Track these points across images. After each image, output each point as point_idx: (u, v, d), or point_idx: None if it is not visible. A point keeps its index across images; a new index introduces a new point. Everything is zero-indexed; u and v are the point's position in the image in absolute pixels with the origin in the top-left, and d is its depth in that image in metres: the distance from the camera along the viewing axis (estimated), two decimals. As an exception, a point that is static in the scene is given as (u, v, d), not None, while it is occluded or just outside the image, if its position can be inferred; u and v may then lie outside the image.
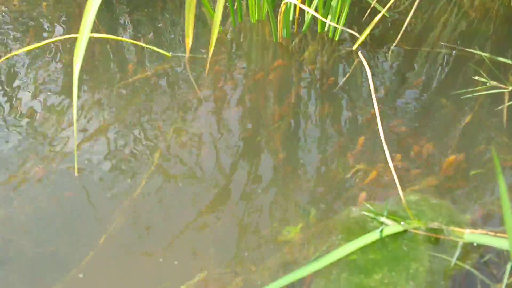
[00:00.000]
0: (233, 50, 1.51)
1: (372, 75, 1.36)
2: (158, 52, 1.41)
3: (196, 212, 1.04)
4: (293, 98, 1.33)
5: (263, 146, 1.19)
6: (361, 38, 1.41)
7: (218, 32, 1.58)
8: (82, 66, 0.97)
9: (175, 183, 1.09)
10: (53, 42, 1.49)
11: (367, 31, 1.40)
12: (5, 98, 1.31)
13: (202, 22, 1.66)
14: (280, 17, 1.40)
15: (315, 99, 1.32)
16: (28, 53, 1.47)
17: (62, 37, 1.27)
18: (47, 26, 1.63)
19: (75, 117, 0.97)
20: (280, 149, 1.18)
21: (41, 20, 1.66)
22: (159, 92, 1.35)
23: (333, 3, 1.40)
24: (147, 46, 1.43)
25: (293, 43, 1.52)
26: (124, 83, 1.38)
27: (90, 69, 1.43)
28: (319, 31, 1.56)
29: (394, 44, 1.48)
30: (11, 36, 1.57)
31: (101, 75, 1.40)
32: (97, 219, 1.02)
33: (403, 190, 1.04)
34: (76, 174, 1.09)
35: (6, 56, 1.27)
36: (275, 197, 1.07)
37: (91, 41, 1.51)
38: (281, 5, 1.36)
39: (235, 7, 1.57)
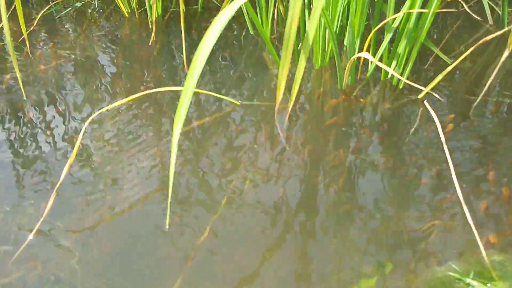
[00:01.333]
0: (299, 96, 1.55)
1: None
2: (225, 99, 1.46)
3: (260, 257, 1.07)
4: (359, 146, 1.36)
5: (331, 193, 1.21)
6: (427, 89, 1.43)
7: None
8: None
9: (239, 228, 1.12)
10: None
11: (434, 82, 1.43)
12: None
13: (260, 67, 1.70)
14: (348, 66, 1.43)
15: (380, 148, 1.35)
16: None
17: (160, 89, 1.32)
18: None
19: (172, 175, 1.01)
20: (347, 197, 1.20)
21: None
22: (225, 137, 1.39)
23: (399, 50, 1.43)
24: (217, 95, 1.47)
25: (357, 90, 1.56)
26: (186, 129, 1.42)
27: (153, 116, 1.48)
28: (382, 78, 1.59)
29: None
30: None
31: (164, 124, 1.45)
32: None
33: (486, 249, 1.06)
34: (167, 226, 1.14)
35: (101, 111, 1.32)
36: (344, 245, 1.09)
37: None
38: (352, 57, 1.39)
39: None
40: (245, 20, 1.86)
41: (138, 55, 1.77)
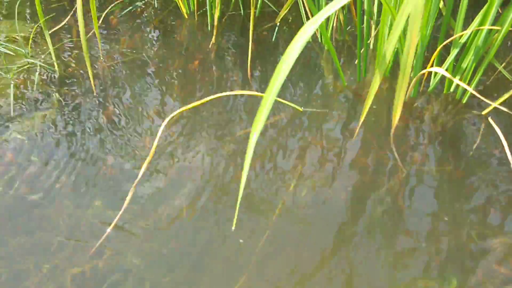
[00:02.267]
0: (356, 106, 1.57)
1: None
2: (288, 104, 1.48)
3: (321, 261, 1.09)
4: (419, 159, 1.37)
5: (394, 204, 1.23)
6: (495, 104, 1.44)
7: (340, 86, 1.65)
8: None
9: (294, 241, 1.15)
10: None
11: (501, 99, 1.43)
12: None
13: (317, 74, 1.72)
14: (415, 79, 1.45)
15: (441, 162, 1.36)
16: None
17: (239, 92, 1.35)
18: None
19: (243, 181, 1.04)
20: (411, 206, 1.22)
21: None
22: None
23: (466, 64, 1.44)
24: (282, 100, 1.49)
25: (418, 102, 1.57)
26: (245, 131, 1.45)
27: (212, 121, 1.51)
28: (445, 91, 1.60)
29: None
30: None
31: (222, 127, 1.48)
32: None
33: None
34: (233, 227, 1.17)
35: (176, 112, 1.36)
36: (409, 257, 1.11)
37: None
38: (423, 71, 1.40)
39: (361, 63, 1.63)
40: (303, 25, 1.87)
41: (199, 57, 1.80)
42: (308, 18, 1.81)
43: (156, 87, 1.64)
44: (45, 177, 1.32)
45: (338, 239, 1.19)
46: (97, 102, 1.56)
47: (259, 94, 1.42)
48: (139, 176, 1.18)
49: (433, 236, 1.19)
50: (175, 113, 1.26)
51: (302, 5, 1.79)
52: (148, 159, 1.19)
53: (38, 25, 1.82)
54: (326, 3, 1.68)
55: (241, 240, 1.18)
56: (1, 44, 1.72)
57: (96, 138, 1.44)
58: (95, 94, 1.58)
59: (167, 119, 1.24)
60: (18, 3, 1.82)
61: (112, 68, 1.73)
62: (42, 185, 1.29)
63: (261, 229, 1.19)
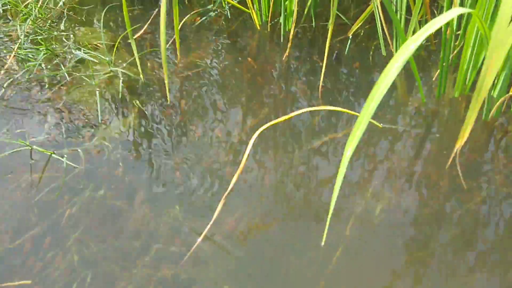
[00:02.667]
0: (435, 124, 1.55)
1: None
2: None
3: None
4: (494, 181, 1.35)
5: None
6: None
7: (419, 102, 1.63)
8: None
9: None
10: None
11: None
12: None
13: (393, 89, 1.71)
14: (503, 99, 1.42)
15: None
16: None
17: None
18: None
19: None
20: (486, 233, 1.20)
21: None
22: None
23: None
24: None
25: (499, 121, 1.54)
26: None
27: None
28: (528, 112, 1.56)
29: None
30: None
31: (299, 140, 1.49)
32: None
33: None
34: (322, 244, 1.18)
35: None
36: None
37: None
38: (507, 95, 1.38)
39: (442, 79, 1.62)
40: (377, 40, 1.87)
41: (273, 69, 1.82)
42: (384, 32, 1.81)
43: (230, 99, 1.67)
44: (130, 184, 1.36)
45: (412, 255, 1.18)
46: (175, 111, 1.60)
47: (353, 113, 1.42)
48: (230, 187, 1.21)
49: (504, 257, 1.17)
50: (264, 126, 1.28)
51: (378, 18, 1.78)
52: (238, 171, 1.22)
53: (125, 33, 1.88)
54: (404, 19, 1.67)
55: (322, 243, 1.18)
56: (86, 52, 1.78)
57: (181, 147, 1.48)
58: (169, 103, 1.62)
59: (257, 133, 1.26)
60: (104, 11, 1.88)
61: (187, 78, 1.77)
62: (128, 191, 1.34)
63: (338, 241, 1.20)
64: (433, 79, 1.73)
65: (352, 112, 1.44)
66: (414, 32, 1.70)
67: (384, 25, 1.80)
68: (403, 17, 1.67)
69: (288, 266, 1.18)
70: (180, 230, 1.25)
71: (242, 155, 1.44)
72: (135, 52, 1.63)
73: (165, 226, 1.26)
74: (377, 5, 1.77)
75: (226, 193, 1.21)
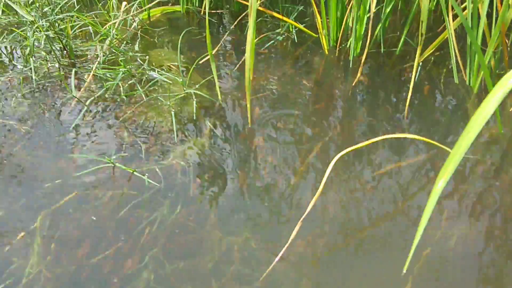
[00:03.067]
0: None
1: None
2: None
3: None
4: None
5: None
6: None
7: (495, 132, 1.59)
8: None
9: None
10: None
11: None
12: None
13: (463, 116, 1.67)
14: None
15: None
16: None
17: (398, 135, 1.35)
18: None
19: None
20: None
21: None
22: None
23: None
24: (431, 141, 1.47)
25: None
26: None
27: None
28: None
29: None
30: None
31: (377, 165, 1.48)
32: None
33: None
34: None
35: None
36: None
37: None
38: None
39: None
40: (450, 68, 1.85)
41: (345, 94, 1.83)
42: (456, 59, 1.79)
43: (303, 123, 1.68)
44: (204, 203, 1.38)
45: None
46: (250, 133, 1.62)
47: (445, 147, 1.40)
48: (307, 210, 1.21)
49: None
50: (343, 152, 1.28)
51: (452, 46, 1.77)
52: (317, 194, 1.21)
53: (203, 56, 1.92)
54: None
55: (404, 271, 1.16)
56: (162, 74, 1.84)
57: (255, 169, 1.49)
58: (250, 125, 1.64)
59: (336, 158, 1.26)
60: (182, 35, 1.94)
61: (259, 100, 1.79)
62: (201, 210, 1.35)
63: (413, 270, 1.18)
64: (510, 110, 1.70)
65: (443, 146, 1.42)
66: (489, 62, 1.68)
67: (457, 52, 1.78)
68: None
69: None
70: (253, 252, 1.25)
71: (315, 179, 1.44)
72: (214, 74, 1.67)
73: (238, 247, 1.26)
74: (451, 33, 1.76)
75: (303, 216, 1.21)
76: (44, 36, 1.76)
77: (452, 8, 1.67)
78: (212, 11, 2.36)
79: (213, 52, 2.02)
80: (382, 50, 2.04)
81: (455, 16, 1.72)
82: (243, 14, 2.20)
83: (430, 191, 1.25)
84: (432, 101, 1.79)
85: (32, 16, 1.79)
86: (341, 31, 2.01)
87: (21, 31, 1.96)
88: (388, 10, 1.92)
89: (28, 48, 1.81)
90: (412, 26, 2.15)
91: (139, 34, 2.16)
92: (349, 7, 1.94)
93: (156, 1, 2.25)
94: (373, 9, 1.73)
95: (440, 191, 1.08)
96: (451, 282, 1.17)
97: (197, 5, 2.36)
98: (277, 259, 1.21)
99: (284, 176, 1.45)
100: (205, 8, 2.28)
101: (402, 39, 1.99)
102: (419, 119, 1.68)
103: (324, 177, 1.23)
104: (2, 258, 1.23)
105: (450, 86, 1.85)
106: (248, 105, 1.56)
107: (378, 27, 2.00)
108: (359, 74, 1.88)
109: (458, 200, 1.38)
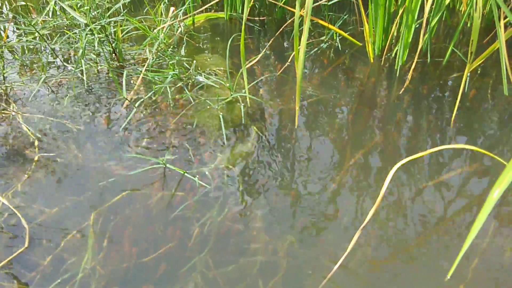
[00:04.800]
0: None
1: None
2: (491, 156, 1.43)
3: None
4: None
5: None
6: None
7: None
8: None
9: None
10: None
11: None
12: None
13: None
14: None
15: None
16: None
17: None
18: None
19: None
20: None
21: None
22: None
23: None
24: (486, 152, 1.44)
25: None
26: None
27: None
28: None
29: None
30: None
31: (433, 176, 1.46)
32: None
33: None
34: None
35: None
36: None
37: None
38: None
39: None
40: (498, 79, 1.83)
41: (390, 102, 1.81)
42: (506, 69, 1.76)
43: (350, 129, 1.67)
44: (253, 208, 1.38)
45: None
46: (297, 137, 1.62)
47: (499, 159, 1.38)
48: (367, 219, 1.20)
49: None
50: (404, 161, 1.27)
51: (503, 57, 1.74)
52: (376, 204, 1.21)
53: (250, 60, 1.94)
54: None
55: (448, 277, 1.14)
56: (208, 78, 1.86)
57: (306, 174, 1.49)
58: (296, 126, 1.64)
59: (396, 166, 1.25)
60: (230, 40, 1.96)
61: (304, 106, 1.79)
62: (247, 215, 1.35)
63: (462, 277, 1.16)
64: None
65: (498, 158, 1.40)
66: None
67: (507, 63, 1.75)
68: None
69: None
70: (312, 259, 1.24)
71: (370, 188, 1.43)
72: (245, 77, 1.67)
73: (286, 252, 1.26)
74: (502, 43, 1.73)
75: (364, 224, 1.20)
76: (97, 39, 1.80)
77: (505, 17, 1.65)
78: (255, 18, 2.38)
79: (257, 58, 2.03)
80: (429, 59, 2.03)
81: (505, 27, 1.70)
82: (287, 23, 2.21)
83: (482, 201, 1.24)
84: (480, 112, 1.77)
85: (84, 18, 1.84)
86: (388, 40, 2.00)
87: (72, 33, 2.01)
88: (435, 20, 1.91)
89: (80, 50, 1.85)
90: (459, 36, 2.13)
91: (184, 39, 2.19)
92: (397, 16, 1.94)
93: (201, 9, 2.28)
94: (426, 15, 1.72)
95: (495, 201, 1.07)
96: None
97: (240, 12, 2.38)
98: (336, 266, 1.20)
99: (333, 183, 1.45)
100: (249, 15, 2.30)
101: (449, 49, 1.98)
102: (467, 129, 1.66)
103: (384, 186, 1.22)
104: (58, 255, 1.25)
105: (498, 97, 1.82)
106: (297, 107, 1.56)
107: (425, 37, 1.98)
108: (407, 82, 1.87)
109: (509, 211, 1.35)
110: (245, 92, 1.77)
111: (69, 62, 2.05)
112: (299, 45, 1.50)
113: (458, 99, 1.66)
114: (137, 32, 2.14)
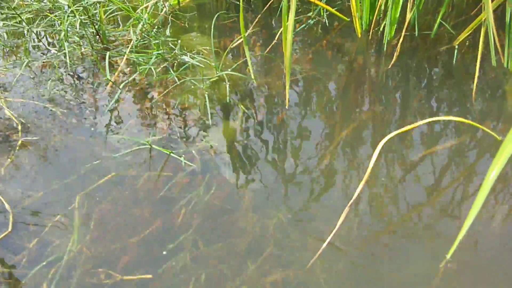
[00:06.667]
0: None
1: None
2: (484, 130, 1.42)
3: None
4: None
5: None
6: None
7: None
8: None
9: None
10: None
11: None
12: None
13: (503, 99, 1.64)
14: None
15: None
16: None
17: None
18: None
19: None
20: None
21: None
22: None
23: None
24: (479, 126, 1.43)
25: None
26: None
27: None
28: None
29: None
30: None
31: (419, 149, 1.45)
32: None
33: None
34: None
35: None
36: None
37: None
38: None
39: None
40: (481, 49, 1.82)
41: (380, 77, 1.80)
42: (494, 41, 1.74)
43: (341, 106, 1.66)
44: (238, 186, 1.37)
45: None
46: (285, 116, 1.61)
47: (494, 134, 1.37)
48: (354, 196, 1.19)
49: None
50: (390, 135, 1.25)
51: (491, 29, 1.72)
52: (363, 181, 1.19)
53: (238, 38, 1.91)
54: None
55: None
56: (194, 58, 1.83)
57: (295, 152, 1.47)
58: (287, 107, 1.62)
59: (382, 142, 1.23)
60: (214, 18, 1.93)
61: (292, 83, 1.77)
62: (235, 193, 1.34)
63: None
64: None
65: (491, 132, 1.39)
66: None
67: (495, 34, 1.74)
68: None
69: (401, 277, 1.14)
70: (302, 238, 1.24)
71: (362, 163, 1.42)
72: (247, 57, 1.66)
73: (277, 231, 1.25)
74: (489, 14, 1.71)
75: (350, 202, 1.19)
76: (79, 21, 1.76)
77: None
78: (242, -4, 2.34)
79: (244, 36, 2.00)
80: (416, 33, 2.00)
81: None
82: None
83: (473, 174, 1.23)
84: (470, 84, 1.75)
85: (67, 0, 1.80)
86: (374, 15, 1.97)
87: (55, 15, 1.97)
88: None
89: (63, 33, 1.82)
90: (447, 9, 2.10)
91: (169, 20, 2.15)
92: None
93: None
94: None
95: (492, 182, 1.05)
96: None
97: (226, -11, 2.35)
98: (324, 245, 1.19)
99: (323, 159, 1.44)
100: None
101: (437, 22, 1.95)
102: (459, 102, 1.65)
103: (371, 162, 1.21)
104: (44, 238, 1.24)
105: (488, 69, 1.81)
106: (287, 86, 1.54)
107: (412, 10, 1.96)
108: (394, 58, 1.85)
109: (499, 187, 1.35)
110: (231, 71, 1.75)
111: (52, 45, 2.02)
112: (288, 22, 1.47)
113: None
114: (121, 12, 2.11)
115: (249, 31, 2.05)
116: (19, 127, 1.58)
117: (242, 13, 1.63)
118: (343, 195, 1.31)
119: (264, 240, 1.21)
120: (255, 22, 2.14)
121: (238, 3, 2.30)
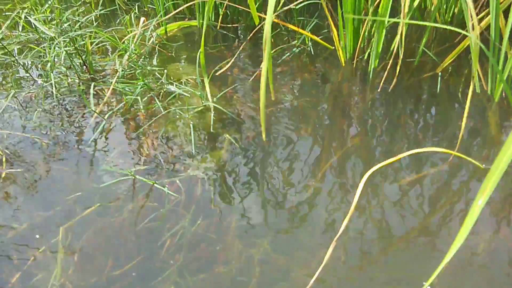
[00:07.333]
0: None
1: None
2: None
3: None
4: None
5: None
6: None
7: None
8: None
9: None
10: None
11: None
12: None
13: (487, 128, 1.66)
14: None
15: None
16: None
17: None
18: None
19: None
20: None
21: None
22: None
23: None
24: (464, 156, 1.44)
25: None
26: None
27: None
28: None
29: None
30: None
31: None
32: None
33: None
34: None
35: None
36: None
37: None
38: None
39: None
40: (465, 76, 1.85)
41: (365, 106, 1.82)
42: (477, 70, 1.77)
43: (325, 138, 1.67)
44: (225, 217, 1.37)
45: None
46: (270, 143, 1.61)
47: (477, 163, 1.38)
48: (340, 230, 1.19)
49: None
50: (375, 167, 1.26)
51: (475, 57, 1.75)
52: (349, 214, 1.20)
53: (220, 66, 1.93)
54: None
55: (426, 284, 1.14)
56: (179, 87, 1.85)
57: (277, 184, 1.48)
58: (265, 140, 1.63)
59: (368, 174, 1.24)
60: (200, 49, 1.95)
61: (275, 112, 1.78)
62: (221, 224, 1.34)
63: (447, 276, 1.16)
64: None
65: (477, 163, 1.40)
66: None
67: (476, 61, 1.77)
68: (502, 53, 1.64)
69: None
70: (290, 273, 1.23)
71: (346, 196, 1.42)
72: (202, 75, 1.66)
73: (258, 261, 1.25)
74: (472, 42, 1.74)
75: (336, 236, 1.19)
76: (64, 52, 1.78)
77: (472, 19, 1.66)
78: (228, 25, 2.38)
79: (229, 64, 2.03)
80: (400, 61, 2.03)
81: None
82: (258, 27, 2.21)
83: (457, 203, 1.24)
84: (454, 111, 1.78)
85: (53, 32, 1.82)
86: (358, 43, 2.01)
87: (41, 47, 1.99)
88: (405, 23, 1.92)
89: (49, 64, 1.83)
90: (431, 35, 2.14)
91: (156, 49, 2.18)
92: (365, 20, 1.95)
93: (170, 15, 2.28)
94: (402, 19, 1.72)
95: (480, 210, 1.06)
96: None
97: (213, 19, 2.38)
98: (312, 281, 1.18)
99: (308, 189, 1.44)
100: (221, 23, 2.30)
101: (420, 50, 1.99)
102: (443, 131, 1.66)
103: (357, 194, 1.22)
104: (26, 271, 1.23)
105: (472, 95, 1.83)
106: (262, 122, 1.53)
107: (395, 40, 1.99)
108: (381, 85, 1.88)
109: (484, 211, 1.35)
110: (216, 101, 1.76)
111: (39, 76, 2.03)
112: (266, 51, 1.49)
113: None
114: (109, 43, 2.13)
115: (232, 59, 2.07)
116: (3, 159, 1.57)
117: (202, 45, 1.65)
118: (329, 227, 1.32)
119: (248, 271, 1.20)
120: (239, 50, 2.16)
121: (225, 32, 2.34)
